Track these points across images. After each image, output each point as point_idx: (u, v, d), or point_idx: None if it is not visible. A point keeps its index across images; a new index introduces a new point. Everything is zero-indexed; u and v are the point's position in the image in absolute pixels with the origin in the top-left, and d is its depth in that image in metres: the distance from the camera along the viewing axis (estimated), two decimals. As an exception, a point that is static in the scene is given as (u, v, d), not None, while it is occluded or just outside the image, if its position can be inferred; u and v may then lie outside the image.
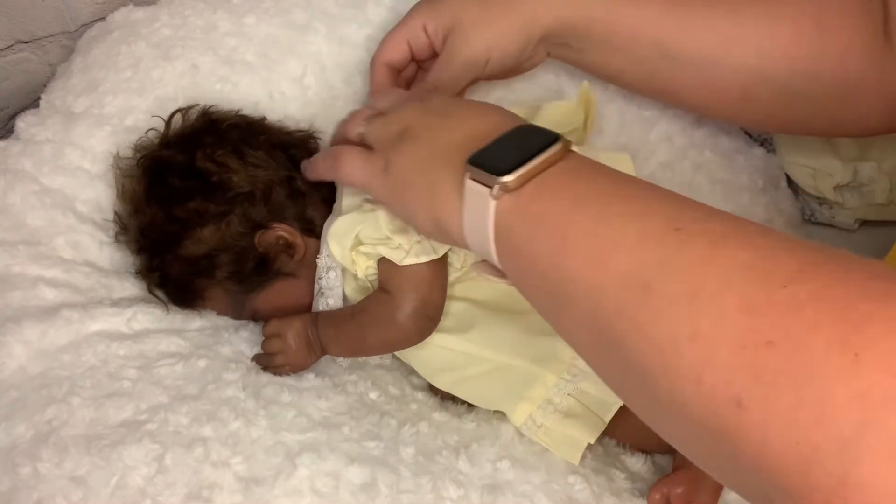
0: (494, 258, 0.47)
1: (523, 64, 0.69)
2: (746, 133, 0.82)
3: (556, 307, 0.45)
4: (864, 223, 0.84)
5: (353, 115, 0.59)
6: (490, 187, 0.45)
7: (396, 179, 0.53)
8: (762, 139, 0.83)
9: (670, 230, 0.39)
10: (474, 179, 0.46)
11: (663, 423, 0.41)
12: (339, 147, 0.58)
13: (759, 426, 0.33)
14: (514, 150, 0.46)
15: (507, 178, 0.44)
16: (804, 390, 0.32)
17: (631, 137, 0.80)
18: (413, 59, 0.69)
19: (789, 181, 0.84)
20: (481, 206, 0.46)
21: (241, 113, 0.74)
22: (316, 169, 0.62)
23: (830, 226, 0.85)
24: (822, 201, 0.83)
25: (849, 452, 0.31)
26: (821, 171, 0.80)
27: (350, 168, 0.56)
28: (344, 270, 0.67)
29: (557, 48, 0.68)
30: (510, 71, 0.69)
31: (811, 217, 0.85)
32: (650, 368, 0.38)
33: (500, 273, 0.49)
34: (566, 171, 0.45)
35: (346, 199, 0.65)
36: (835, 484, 0.31)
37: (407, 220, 0.56)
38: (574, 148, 0.47)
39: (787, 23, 0.62)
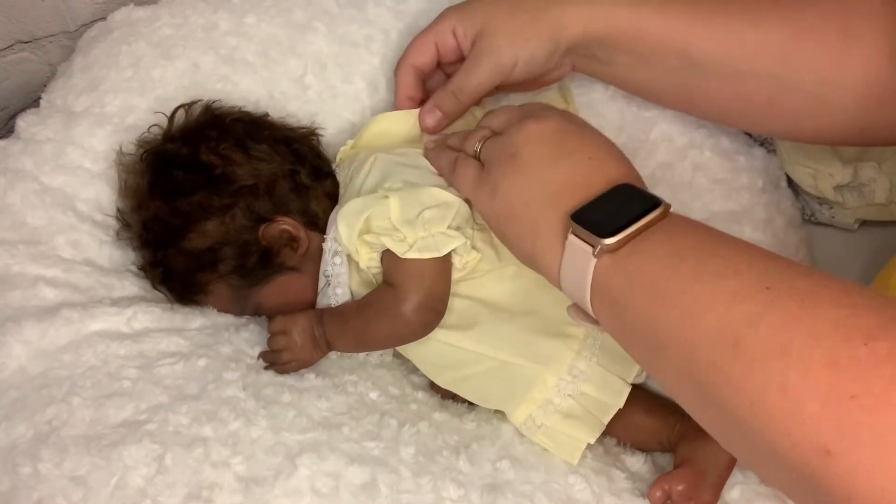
0: (589, 308, 0.51)
1: (548, 74, 0.70)
2: (747, 133, 0.82)
3: (653, 358, 0.48)
4: (864, 223, 0.84)
5: (472, 134, 0.61)
6: (593, 246, 0.48)
7: (501, 208, 0.56)
8: (762, 139, 0.83)
9: (761, 288, 0.42)
10: (577, 236, 0.49)
11: (761, 467, 0.44)
12: (460, 157, 0.62)
13: (847, 474, 0.36)
14: (617, 210, 0.49)
15: (610, 241, 0.48)
16: (885, 441, 0.35)
17: (631, 137, 0.80)
18: (439, 63, 0.70)
19: (789, 181, 0.84)
20: (582, 262, 0.49)
21: (244, 109, 0.74)
22: (438, 155, 0.65)
23: (830, 226, 0.85)
24: (822, 201, 0.83)
25: None
26: (821, 171, 0.80)
27: (463, 180, 0.60)
28: (349, 261, 0.67)
29: (584, 61, 0.69)
30: (534, 81, 0.69)
31: (811, 217, 0.85)
32: (744, 419, 0.41)
33: (592, 319, 0.52)
34: (663, 230, 0.49)
35: (365, 187, 0.65)
36: None
37: (503, 243, 0.59)
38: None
39: (811, 33, 0.63)
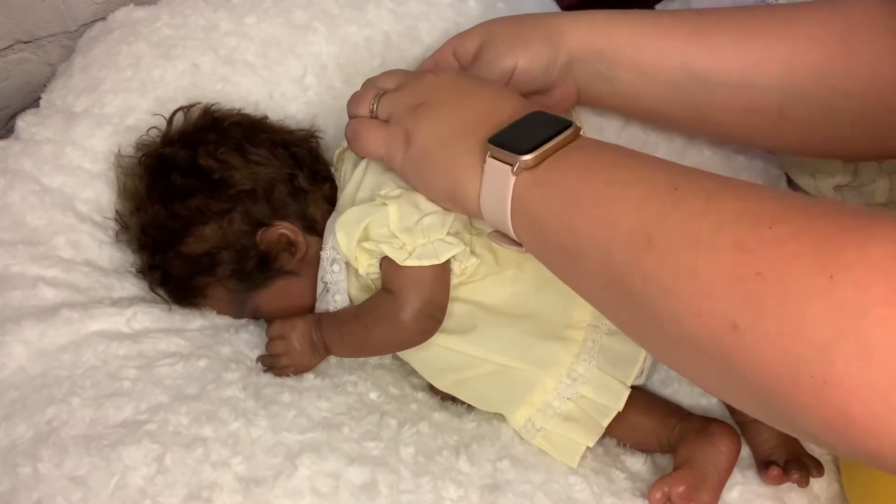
0: (510, 228, 0.53)
1: (551, 90, 0.69)
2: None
3: (570, 265, 0.51)
4: (865, 223, 0.84)
5: (358, 95, 0.62)
6: (511, 165, 0.50)
7: (417, 151, 0.57)
8: (762, 139, 0.83)
9: (670, 189, 0.45)
10: (495, 158, 0.51)
11: (673, 356, 0.47)
12: (356, 120, 0.61)
13: (753, 345, 0.39)
14: (531, 132, 0.52)
15: (528, 157, 0.50)
16: (788, 310, 0.38)
17: (631, 137, 0.80)
18: None
19: (789, 181, 0.84)
20: (501, 182, 0.51)
21: (242, 112, 0.74)
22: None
23: (830, 226, 0.84)
24: (822, 201, 0.83)
25: (827, 356, 0.36)
26: (821, 170, 0.80)
27: (370, 141, 0.60)
28: (347, 267, 0.67)
29: (588, 79, 0.69)
30: (538, 92, 0.69)
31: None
32: (658, 308, 0.43)
33: (514, 242, 0.54)
34: (576, 148, 0.51)
35: (361, 192, 0.65)
36: (818, 384, 0.36)
37: (422, 189, 0.60)
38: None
39: (812, 43, 0.63)
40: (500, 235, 0.55)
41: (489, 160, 0.51)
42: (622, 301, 0.47)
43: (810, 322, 0.37)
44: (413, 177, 0.59)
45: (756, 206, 0.42)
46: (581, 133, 0.52)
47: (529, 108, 0.55)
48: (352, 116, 0.62)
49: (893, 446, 0.35)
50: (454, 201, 0.57)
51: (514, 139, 0.51)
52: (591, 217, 0.47)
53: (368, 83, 0.63)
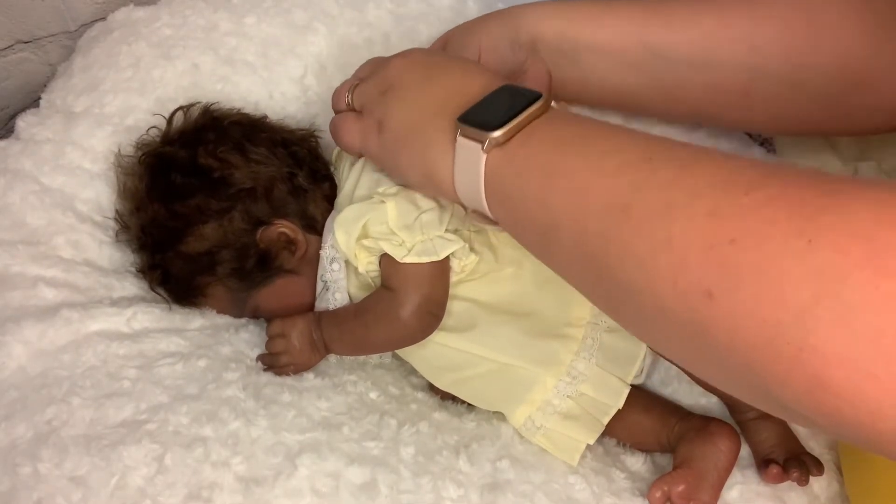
0: (485, 206, 0.51)
1: (524, 70, 0.69)
2: (747, 133, 0.82)
3: (546, 240, 0.49)
4: (864, 223, 0.84)
5: (338, 89, 0.62)
6: (481, 143, 0.49)
7: (390, 137, 0.56)
8: (762, 139, 0.83)
9: (644, 159, 0.44)
10: (465, 136, 0.50)
11: (650, 330, 0.46)
12: (335, 116, 0.62)
13: (729, 313, 0.38)
14: (500, 107, 0.50)
15: (497, 133, 0.49)
16: (765, 275, 0.36)
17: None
18: None
19: (789, 181, 0.83)
20: (473, 160, 0.50)
21: (242, 111, 0.74)
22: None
23: (830, 226, 0.84)
24: (821, 201, 0.83)
25: (805, 322, 0.35)
26: (821, 170, 0.80)
27: (346, 134, 0.60)
28: (347, 265, 0.67)
29: (556, 60, 0.69)
30: (512, 74, 0.69)
31: (811, 217, 0.85)
32: (634, 281, 0.42)
33: (490, 221, 0.53)
34: (547, 121, 0.50)
35: (358, 191, 0.65)
36: (795, 351, 0.35)
37: (399, 176, 0.59)
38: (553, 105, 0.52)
39: (775, 21, 0.63)
40: (479, 215, 0.54)
41: (459, 139, 0.51)
42: (598, 276, 0.46)
43: (787, 287, 0.36)
44: (388, 163, 0.59)
45: (732, 173, 0.41)
46: (552, 105, 0.51)
47: (500, 81, 0.54)
48: (335, 113, 0.63)
49: (870, 415, 0.34)
50: (431, 184, 0.56)
51: (484, 115, 0.50)
52: (564, 190, 0.46)
53: (351, 78, 0.63)
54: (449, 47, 0.68)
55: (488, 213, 0.52)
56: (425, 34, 0.81)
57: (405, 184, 0.60)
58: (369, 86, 0.59)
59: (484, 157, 0.49)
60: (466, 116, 0.51)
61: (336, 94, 0.62)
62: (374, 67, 0.60)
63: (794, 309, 0.35)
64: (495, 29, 0.67)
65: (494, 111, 0.50)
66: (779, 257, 0.36)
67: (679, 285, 0.40)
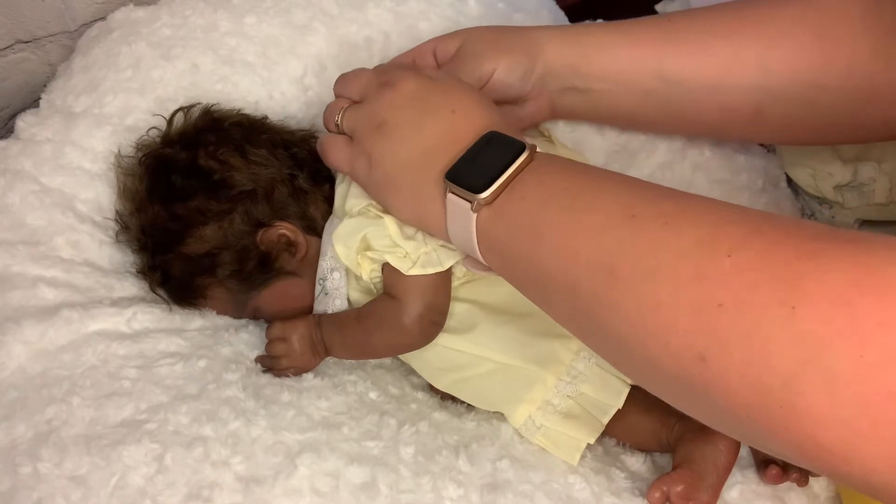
0: (480, 258, 0.53)
1: (526, 100, 0.69)
2: (747, 133, 0.82)
3: (541, 295, 0.51)
4: (864, 223, 0.84)
5: (329, 107, 0.62)
6: (470, 202, 0.51)
7: (380, 176, 0.57)
8: (762, 139, 0.83)
9: (627, 216, 0.45)
10: (455, 193, 0.52)
11: (647, 381, 0.47)
12: (323, 136, 0.63)
13: (721, 376, 0.39)
14: (487, 163, 0.52)
15: (485, 195, 0.50)
16: (752, 341, 0.38)
17: (631, 138, 0.80)
18: None
19: (789, 181, 0.84)
20: (464, 218, 0.52)
21: (242, 112, 0.74)
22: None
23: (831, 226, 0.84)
24: (822, 201, 0.83)
25: (793, 387, 0.36)
26: (821, 171, 0.80)
27: (335, 157, 0.61)
28: (347, 271, 0.67)
29: (564, 93, 0.69)
30: (514, 100, 0.69)
31: (811, 217, 0.85)
32: (625, 338, 0.44)
33: (486, 268, 0.55)
34: (534, 172, 0.51)
35: (350, 201, 0.65)
36: (787, 413, 0.37)
37: (389, 210, 0.60)
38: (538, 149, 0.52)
39: (786, 40, 0.63)
40: (473, 261, 0.56)
41: (449, 196, 0.52)
42: (592, 329, 0.47)
43: (774, 353, 0.37)
44: (377, 198, 0.60)
45: (714, 231, 0.42)
46: (536, 150, 0.52)
47: (490, 124, 0.54)
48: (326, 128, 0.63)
49: (863, 469, 0.36)
50: (424, 227, 0.58)
51: (471, 173, 0.51)
52: (552, 248, 0.48)
53: (338, 86, 0.63)
54: (466, 57, 0.67)
55: (484, 264, 0.54)
56: (426, 32, 0.81)
57: (399, 219, 0.60)
58: (360, 116, 0.59)
59: (474, 216, 0.51)
60: (454, 175, 0.52)
61: (327, 114, 0.62)
62: (365, 90, 0.60)
63: (782, 374, 0.37)
64: (516, 58, 0.67)
65: (481, 168, 0.51)
66: (764, 324, 0.38)
67: (671, 347, 0.41)
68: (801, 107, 0.64)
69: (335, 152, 0.60)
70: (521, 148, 0.51)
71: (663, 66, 0.66)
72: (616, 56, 0.67)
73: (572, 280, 0.46)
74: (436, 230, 0.56)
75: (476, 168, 0.52)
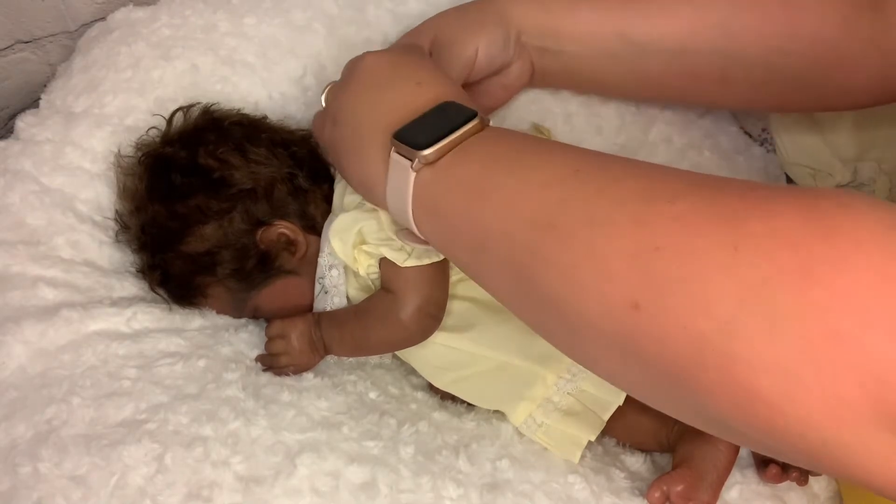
0: (412, 223, 0.52)
1: (510, 69, 0.70)
2: (746, 133, 0.83)
3: (475, 256, 0.50)
4: (864, 223, 0.84)
5: (326, 86, 0.64)
6: (411, 160, 0.50)
7: (337, 136, 0.58)
8: (762, 139, 0.83)
9: (571, 172, 0.44)
10: (398, 153, 0.51)
11: (577, 346, 0.45)
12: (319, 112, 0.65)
13: (655, 323, 0.37)
14: (435, 126, 0.51)
15: (427, 152, 0.49)
16: (689, 285, 0.36)
17: (630, 138, 0.80)
18: None
19: (789, 181, 0.84)
20: (403, 177, 0.51)
21: (242, 112, 0.74)
22: None
23: (830, 226, 0.84)
24: (821, 201, 0.83)
25: (731, 331, 0.34)
26: (821, 171, 0.80)
27: (315, 126, 0.63)
28: (346, 269, 0.67)
29: (538, 53, 0.69)
30: (499, 70, 0.70)
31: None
32: (561, 296, 0.42)
33: (419, 239, 0.55)
34: (481, 139, 0.51)
35: (347, 197, 0.65)
36: (722, 361, 0.35)
37: (341, 174, 0.61)
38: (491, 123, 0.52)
39: (751, 5, 0.64)
40: (407, 233, 0.55)
41: (392, 154, 0.51)
42: (525, 291, 0.45)
43: (713, 297, 0.35)
44: (333, 158, 0.61)
45: (657, 182, 0.41)
46: (489, 123, 0.52)
47: (449, 96, 0.54)
48: None
49: (800, 423, 0.34)
50: (366, 192, 0.57)
51: (417, 133, 0.51)
52: (493, 206, 0.46)
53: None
54: (448, 46, 0.67)
55: (415, 231, 0.53)
56: (425, 34, 0.81)
57: (350, 184, 0.61)
58: (338, 83, 0.61)
59: (413, 174, 0.50)
60: (400, 133, 0.51)
61: (324, 93, 0.64)
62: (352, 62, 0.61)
63: (720, 318, 0.35)
64: (491, 30, 0.67)
65: (428, 129, 0.51)
66: (704, 266, 0.36)
67: (605, 296, 0.39)
68: (766, 73, 0.65)
69: (316, 122, 0.62)
70: (471, 115, 0.51)
71: (627, 28, 0.66)
72: (581, 16, 0.67)
73: (510, 236, 0.45)
74: (377, 195, 0.55)
75: (423, 130, 0.51)
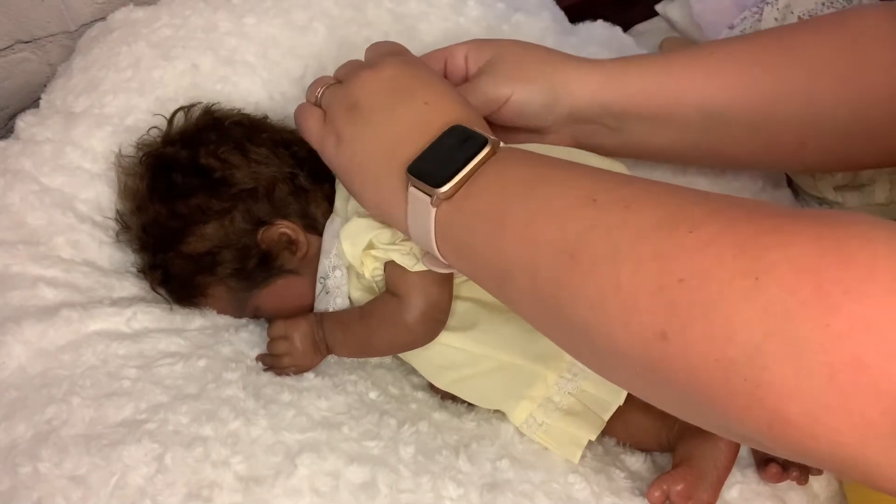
0: (437, 254, 0.53)
1: (542, 132, 0.69)
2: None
3: (500, 285, 0.51)
4: (864, 223, 0.84)
5: (315, 80, 0.63)
6: (430, 196, 0.51)
7: (346, 158, 0.57)
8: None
9: (588, 202, 0.45)
10: (416, 187, 0.52)
11: (608, 369, 0.47)
12: (301, 104, 0.63)
13: (683, 353, 0.39)
14: (449, 156, 0.51)
15: (444, 189, 0.50)
16: (714, 314, 0.37)
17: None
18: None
19: (789, 181, 0.84)
20: (423, 212, 0.52)
21: (243, 111, 0.74)
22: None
23: (830, 226, 0.84)
24: (822, 201, 0.83)
25: (757, 360, 0.36)
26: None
27: (307, 128, 0.61)
28: (349, 269, 0.67)
29: (590, 131, 0.68)
30: (527, 129, 0.68)
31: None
32: (587, 323, 0.43)
33: (443, 264, 0.55)
34: (494, 166, 0.51)
35: (353, 202, 0.65)
36: (751, 388, 0.36)
37: (350, 192, 0.60)
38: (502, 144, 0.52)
39: (825, 69, 0.63)
40: (433, 259, 0.55)
41: (411, 189, 0.52)
42: (553, 318, 0.47)
43: (738, 325, 0.37)
44: (342, 179, 0.60)
45: (675, 212, 0.42)
46: (499, 145, 0.52)
47: (456, 118, 0.54)
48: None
49: (830, 443, 0.35)
50: (384, 216, 0.58)
51: (432, 167, 0.51)
52: (513, 237, 0.47)
53: (324, 77, 0.63)
54: (484, 76, 0.66)
55: (441, 259, 0.54)
56: (425, 33, 0.81)
57: (361, 204, 0.60)
58: (338, 94, 0.59)
59: (433, 210, 0.51)
60: (415, 168, 0.52)
61: (311, 87, 0.62)
62: (349, 72, 0.60)
63: (746, 347, 0.36)
64: (534, 89, 0.66)
65: (442, 161, 0.51)
66: (727, 296, 0.37)
67: (632, 327, 0.41)
68: (844, 135, 0.64)
69: (309, 123, 0.61)
70: (483, 142, 0.51)
71: (708, 101, 0.65)
72: (658, 94, 0.66)
73: (533, 267, 0.46)
74: (396, 221, 0.56)
75: (438, 162, 0.52)
